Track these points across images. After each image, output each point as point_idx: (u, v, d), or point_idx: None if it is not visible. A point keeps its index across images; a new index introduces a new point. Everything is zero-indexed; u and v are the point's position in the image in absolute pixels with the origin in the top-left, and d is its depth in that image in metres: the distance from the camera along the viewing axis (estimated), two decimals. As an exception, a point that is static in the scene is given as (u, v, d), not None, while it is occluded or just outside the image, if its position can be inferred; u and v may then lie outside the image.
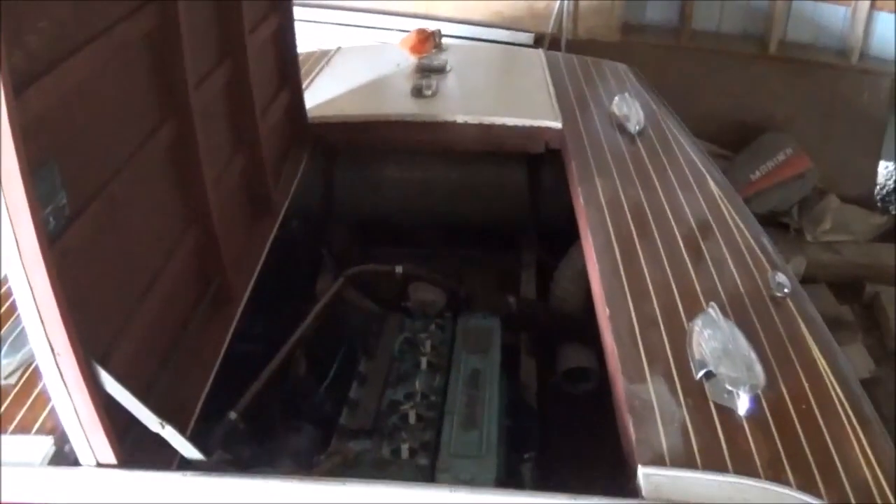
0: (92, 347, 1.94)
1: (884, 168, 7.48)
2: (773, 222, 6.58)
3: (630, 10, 7.11)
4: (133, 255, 2.31)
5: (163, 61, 2.49)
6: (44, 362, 1.87)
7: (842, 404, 2.30)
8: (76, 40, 2.02)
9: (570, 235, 3.39)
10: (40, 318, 1.80)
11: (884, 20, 6.89)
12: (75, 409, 1.92)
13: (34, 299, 1.78)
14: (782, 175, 6.74)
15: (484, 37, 6.78)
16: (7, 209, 1.69)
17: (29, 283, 1.76)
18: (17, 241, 1.72)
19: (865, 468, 2.10)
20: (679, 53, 7.10)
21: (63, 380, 1.88)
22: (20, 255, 1.73)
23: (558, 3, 6.46)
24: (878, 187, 7.42)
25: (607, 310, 2.63)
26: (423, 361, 3.04)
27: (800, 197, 6.81)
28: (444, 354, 3.11)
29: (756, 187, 6.68)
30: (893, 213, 7.13)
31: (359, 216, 4.38)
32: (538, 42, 6.79)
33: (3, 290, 2.63)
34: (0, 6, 1.60)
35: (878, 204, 7.28)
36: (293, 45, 3.82)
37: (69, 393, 1.90)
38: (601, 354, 2.67)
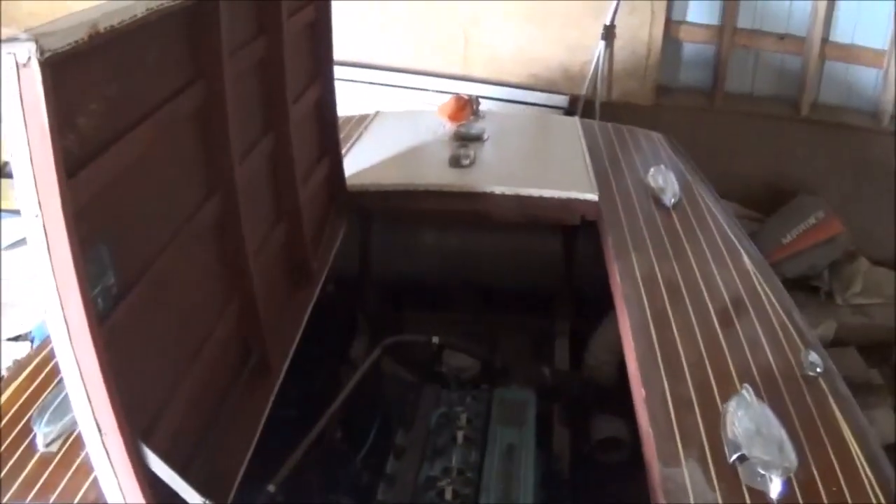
0: (137, 424, 1.95)
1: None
2: (803, 286, 6.58)
3: (664, 73, 7.15)
4: (176, 330, 2.33)
5: (209, 137, 2.51)
6: (90, 440, 1.88)
7: (872, 487, 2.30)
8: (126, 120, 2.02)
9: (603, 303, 3.41)
10: (87, 397, 1.81)
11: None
12: (119, 485, 1.93)
13: (82, 378, 1.79)
14: (814, 238, 6.70)
15: (520, 99, 6.86)
16: (57, 290, 1.70)
17: (77, 362, 1.77)
18: (66, 322, 1.73)
19: None
20: (712, 116, 7.13)
21: (109, 458, 1.89)
22: (69, 336, 1.74)
23: (593, 66, 6.50)
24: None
25: (643, 391, 2.64)
26: (460, 435, 3.06)
27: (830, 260, 6.79)
28: (479, 428, 3.13)
29: (788, 250, 6.66)
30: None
31: (394, 280, 4.40)
32: (573, 104, 6.84)
33: (43, 353, 2.67)
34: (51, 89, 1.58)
35: (909, 266, 7.24)
36: (334, 114, 3.84)
37: (114, 471, 1.91)
38: (633, 424, 2.68)
